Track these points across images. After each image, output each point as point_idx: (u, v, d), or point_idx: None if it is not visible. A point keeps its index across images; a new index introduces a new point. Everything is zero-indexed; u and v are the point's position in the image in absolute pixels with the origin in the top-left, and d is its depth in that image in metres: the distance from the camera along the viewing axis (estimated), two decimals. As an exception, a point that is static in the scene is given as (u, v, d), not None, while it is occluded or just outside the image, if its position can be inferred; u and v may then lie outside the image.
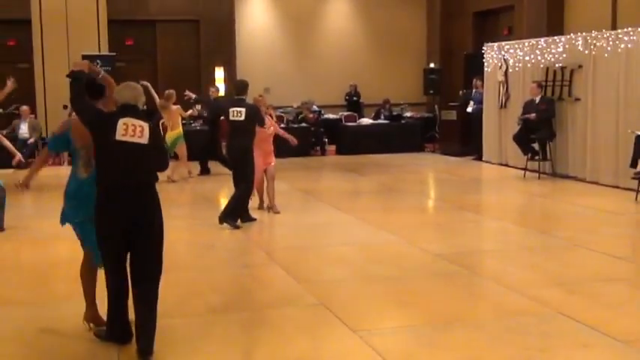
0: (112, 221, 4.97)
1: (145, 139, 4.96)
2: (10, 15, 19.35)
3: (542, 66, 14.40)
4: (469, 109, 17.29)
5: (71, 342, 5.46)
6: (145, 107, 5.32)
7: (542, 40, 14.68)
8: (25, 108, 17.37)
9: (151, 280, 5.06)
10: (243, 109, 9.59)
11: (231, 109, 9.69)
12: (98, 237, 5.09)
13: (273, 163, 10.38)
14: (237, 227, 9.44)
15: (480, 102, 16.82)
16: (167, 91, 14.31)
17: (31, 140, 17.04)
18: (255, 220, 9.82)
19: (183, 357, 5.15)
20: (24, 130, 17.06)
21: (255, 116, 9.65)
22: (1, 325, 5.88)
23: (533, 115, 13.51)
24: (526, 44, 15.08)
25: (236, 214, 9.57)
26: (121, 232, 4.97)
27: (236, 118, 9.59)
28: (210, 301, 6.36)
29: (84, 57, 19.03)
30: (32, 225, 10.20)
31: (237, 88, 10.08)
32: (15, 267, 7.88)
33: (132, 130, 4.94)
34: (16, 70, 19.87)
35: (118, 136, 4.91)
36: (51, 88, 19.18)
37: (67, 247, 8.77)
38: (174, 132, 14.10)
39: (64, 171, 16.66)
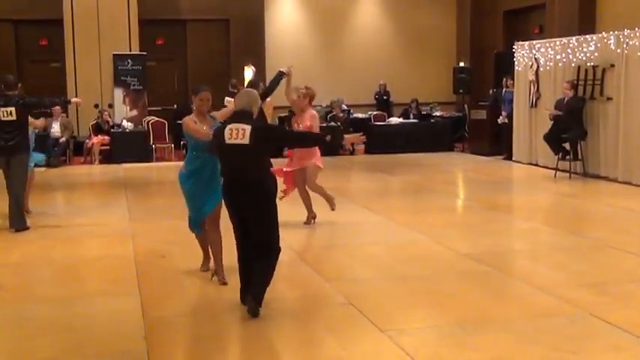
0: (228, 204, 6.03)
1: (246, 140, 5.71)
2: (42, 15, 19.60)
3: (573, 65, 14.26)
4: (499, 121, 17.13)
5: (101, 338, 5.52)
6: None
7: (574, 38, 14.54)
8: (56, 107, 17.53)
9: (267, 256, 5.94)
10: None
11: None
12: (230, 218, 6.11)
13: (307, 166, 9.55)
14: None
15: (510, 102, 16.71)
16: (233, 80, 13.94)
17: (63, 139, 17.22)
18: None
19: (211, 356, 5.17)
20: (56, 129, 17.25)
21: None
22: (32, 322, 5.95)
23: (561, 112, 13.41)
24: (557, 43, 14.95)
25: None
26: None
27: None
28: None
29: (115, 56, 19.30)
30: (64, 222, 10.30)
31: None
32: (47, 264, 7.97)
33: (235, 134, 5.75)
34: (48, 69, 20.14)
35: (227, 140, 5.78)
36: (82, 87, 19.37)
37: (97, 244, 8.89)
38: None
39: (96, 169, 16.91)
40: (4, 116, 9.38)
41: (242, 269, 6.04)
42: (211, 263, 7.03)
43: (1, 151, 9.39)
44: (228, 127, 5.82)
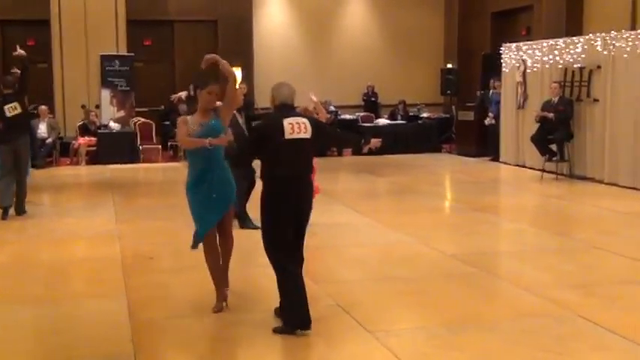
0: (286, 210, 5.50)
1: (308, 134, 5.47)
2: (28, 15, 19.47)
3: (560, 67, 14.32)
4: (486, 122, 17.18)
5: (88, 340, 5.49)
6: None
7: (561, 40, 14.60)
8: (43, 108, 17.46)
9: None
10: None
11: None
12: (275, 221, 5.53)
13: None
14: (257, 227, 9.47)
15: (497, 103, 16.76)
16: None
17: (50, 140, 17.13)
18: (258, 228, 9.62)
19: (198, 357, 5.16)
20: (42, 129, 17.15)
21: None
22: (18, 323, 5.93)
23: (552, 114, 13.45)
24: (544, 45, 15.01)
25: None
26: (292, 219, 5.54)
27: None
28: (229, 301, 6.36)
29: (102, 57, 19.23)
30: (50, 224, 10.26)
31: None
32: (33, 265, 7.92)
33: (297, 128, 5.44)
34: (35, 70, 20.02)
35: (287, 135, 5.41)
36: (69, 88, 19.32)
37: (84, 246, 8.86)
38: None
39: (83, 170, 16.83)
40: (10, 112, 10.36)
41: (298, 286, 5.51)
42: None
43: (9, 139, 10.35)
44: (287, 121, 5.44)
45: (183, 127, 5.95)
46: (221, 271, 6.15)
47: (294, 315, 5.45)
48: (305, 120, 5.52)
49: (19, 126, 10.51)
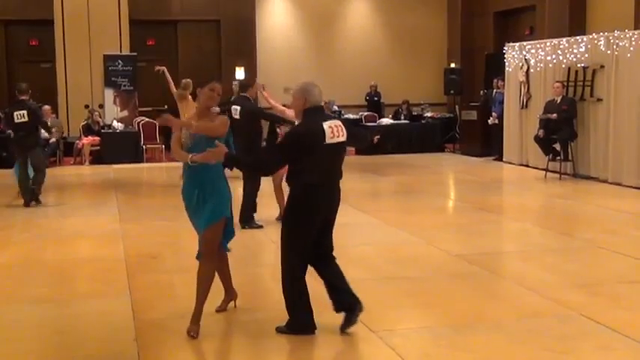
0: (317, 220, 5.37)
1: (344, 137, 5.33)
2: (32, 15, 19.52)
3: (563, 66, 14.30)
4: (490, 122, 17.16)
5: (92, 340, 5.50)
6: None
7: (564, 40, 14.58)
8: (47, 107, 17.41)
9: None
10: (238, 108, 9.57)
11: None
12: (302, 229, 5.33)
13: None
14: (261, 226, 9.51)
15: (500, 102, 16.75)
16: (184, 80, 13.50)
17: (53, 140, 17.14)
18: (261, 227, 9.65)
19: (202, 356, 5.16)
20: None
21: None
22: (22, 323, 5.93)
23: (555, 115, 13.44)
24: (548, 44, 14.99)
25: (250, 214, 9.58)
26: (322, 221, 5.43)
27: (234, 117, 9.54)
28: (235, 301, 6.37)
29: (105, 57, 19.25)
30: (54, 223, 10.28)
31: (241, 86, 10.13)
32: (37, 265, 7.94)
33: (336, 131, 5.27)
34: (39, 69, 20.06)
35: (327, 140, 5.22)
36: (73, 87, 19.35)
37: (88, 246, 8.87)
38: None
39: (86, 170, 16.85)
40: (17, 118, 11.23)
41: (304, 293, 5.43)
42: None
43: (21, 148, 11.37)
44: (326, 124, 5.23)
45: (177, 132, 5.56)
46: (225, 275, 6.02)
47: (298, 320, 5.42)
48: (339, 122, 5.33)
49: (26, 131, 11.29)
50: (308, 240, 5.36)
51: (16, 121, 11.26)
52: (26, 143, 11.30)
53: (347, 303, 5.45)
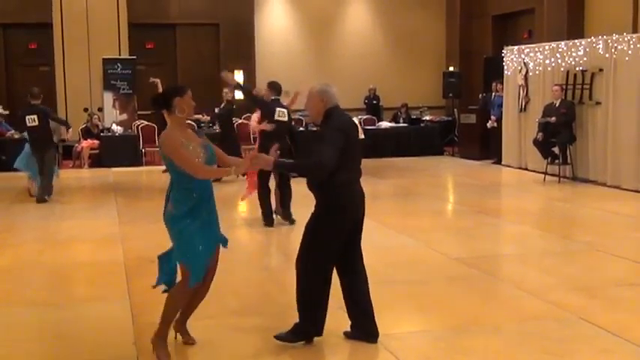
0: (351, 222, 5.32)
1: (362, 134, 5.22)
2: (31, 18, 19.54)
3: (562, 69, 14.33)
4: (489, 125, 17.16)
5: (91, 344, 5.49)
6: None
7: (563, 43, 14.60)
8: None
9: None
10: (285, 110, 9.98)
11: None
12: (338, 229, 5.23)
13: None
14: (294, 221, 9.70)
15: (499, 106, 16.76)
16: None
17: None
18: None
19: None
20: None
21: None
22: (20, 326, 5.93)
23: (554, 118, 13.45)
24: (546, 47, 15.01)
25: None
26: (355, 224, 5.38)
27: (281, 119, 9.86)
28: (230, 304, 6.37)
29: (104, 60, 19.26)
30: (53, 226, 10.27)
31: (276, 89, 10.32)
32: (36, 268, 7.94)
33: (359, 130, 5.16)
34: (37, 73, 20.07)
35: (361, 135, 5.13)
36: (72, 91, 19.35)
37: (87, 249, 8.87)
38: None
39: (85, 173, 16.83)
40: (29, 122, 11.93)
41: (328, 292, 5.38)
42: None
43: (37, 149, 12.02)
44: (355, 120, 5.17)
45: (186, 152, 4.82)
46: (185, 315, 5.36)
47: (308, 321, 5.35)
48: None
49: (38, 134, 11.98)
50: (342, 240, 5.29)
51: (28, 125, 11.99)
52: (40, 145, 11.96)
53: (363, 328, 5.40)
